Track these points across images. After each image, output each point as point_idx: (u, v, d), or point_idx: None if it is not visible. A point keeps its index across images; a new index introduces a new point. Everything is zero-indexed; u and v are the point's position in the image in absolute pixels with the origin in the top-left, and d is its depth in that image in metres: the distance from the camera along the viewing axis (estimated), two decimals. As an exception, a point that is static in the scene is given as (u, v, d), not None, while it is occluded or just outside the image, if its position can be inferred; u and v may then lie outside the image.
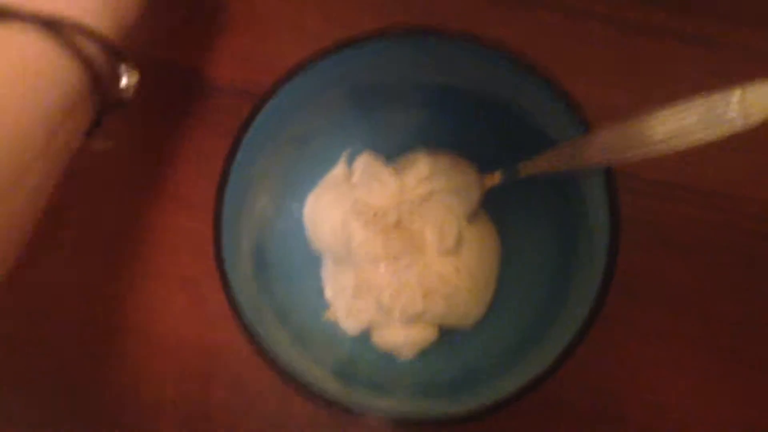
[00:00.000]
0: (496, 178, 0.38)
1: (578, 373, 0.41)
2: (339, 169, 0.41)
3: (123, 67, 0.35)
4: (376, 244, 0.38)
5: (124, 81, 0.35)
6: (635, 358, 0.41)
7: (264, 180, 0.38)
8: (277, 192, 0.40)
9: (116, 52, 0.34)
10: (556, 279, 0.36)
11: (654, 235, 0.42)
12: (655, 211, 0.42)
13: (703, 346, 0.41)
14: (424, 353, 0.39)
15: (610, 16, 0.46)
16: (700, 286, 0.41)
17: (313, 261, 0.41)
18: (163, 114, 0.45)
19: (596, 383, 0.41)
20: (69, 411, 0.42)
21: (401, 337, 0.38)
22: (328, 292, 0.40)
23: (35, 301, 0.43)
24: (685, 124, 0.30)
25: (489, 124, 0.38)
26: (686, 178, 0.43)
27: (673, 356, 0.41)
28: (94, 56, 0.32)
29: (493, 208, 0.40)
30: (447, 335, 0.40)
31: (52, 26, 0.31)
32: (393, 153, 0.41)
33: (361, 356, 0.39)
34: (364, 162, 0.40)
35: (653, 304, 0.41)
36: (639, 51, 0.45)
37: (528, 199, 0.39)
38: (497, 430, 0.37)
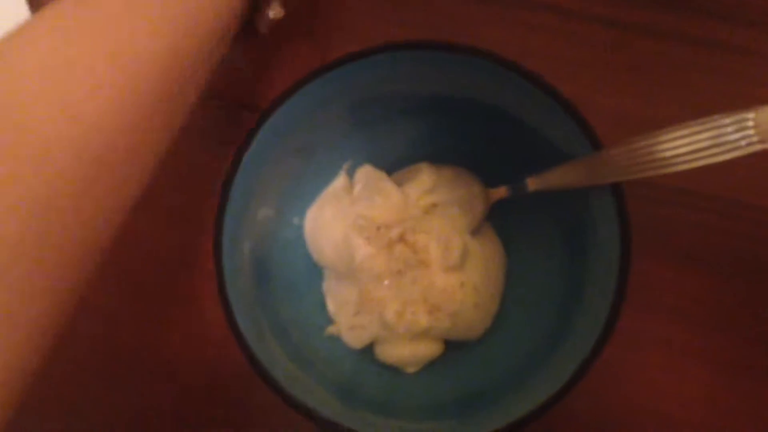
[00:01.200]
0: (502, 192, 0.38)
1: (588, 383, 0.40)
2: (339, 182, 0.40)
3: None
4: (379, 260, 0.37)
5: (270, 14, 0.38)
6: (645, 367, 0.41)
7: (266, 192, 0.38)
8: (280, 204, 0.39)
9: None
10: (565, 293, 0.36)
11: (664, 243, 0.41)
12: (666, 219, 0.42)
13: (713, 356, 0.41)
14: (430, 367, 0.39)
15: (612, 18, 0.45)
16: (710, 296, 0.41)
17: (315, 274, 0.41)
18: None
19: (606, 393, 0.40)
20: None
21: (406, 352, 0.38)
22: (331, 307, 0.40)
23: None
24: (698, 144, 0.30)
25: (495, 137, 0.37)
26: (699, 184, 0.42)
27: (684, 366, 0.41)
28: None
29: (498, 220, 0.40)
30: (453, 349, 0.39)
31: None
32: (395, 166, 0.40)
33: (364, 373, 0.39)
34: (365, 175, 0.40)
35: (664, 314, 0.41)
36: (643, 54, 0.44)
37: (535, 212, 0.38)
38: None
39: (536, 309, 0.37)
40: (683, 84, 0.44)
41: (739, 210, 0.42)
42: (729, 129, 0.29)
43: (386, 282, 0.38)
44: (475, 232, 0.39)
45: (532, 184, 0.35)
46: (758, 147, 0.28)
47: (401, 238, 0.38)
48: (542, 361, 0.35)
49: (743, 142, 0.29)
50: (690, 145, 0.30)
